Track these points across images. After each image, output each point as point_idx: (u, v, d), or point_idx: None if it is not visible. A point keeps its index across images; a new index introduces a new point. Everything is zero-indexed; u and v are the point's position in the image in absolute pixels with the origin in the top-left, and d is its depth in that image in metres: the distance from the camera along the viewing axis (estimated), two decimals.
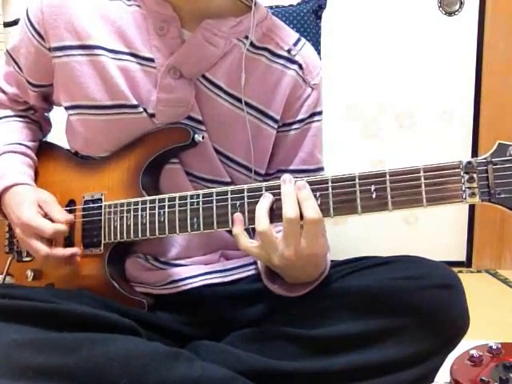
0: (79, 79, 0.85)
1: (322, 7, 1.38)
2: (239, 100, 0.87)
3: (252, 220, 0.73)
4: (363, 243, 2.03)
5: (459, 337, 0.78)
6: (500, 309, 1.65)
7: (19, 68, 0.93)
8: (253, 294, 0.86)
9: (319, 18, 1.38)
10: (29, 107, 0.99)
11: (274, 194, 0.73)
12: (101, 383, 0.63)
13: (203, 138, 0.85)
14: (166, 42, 0.84)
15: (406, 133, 2.08)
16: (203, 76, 0.86)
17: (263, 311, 0.85)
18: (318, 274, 0.79)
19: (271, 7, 1.35)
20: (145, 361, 0.65)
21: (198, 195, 0.78)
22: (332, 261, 0.84)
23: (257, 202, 0.73)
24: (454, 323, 0.77)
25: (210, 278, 0.87)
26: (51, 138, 1.05)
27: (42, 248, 0.82)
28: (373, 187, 0.69)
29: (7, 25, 1.92)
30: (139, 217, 0.81)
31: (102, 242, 0.85)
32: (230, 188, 0.76)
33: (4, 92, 0.97)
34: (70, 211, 0.88)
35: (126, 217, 0.82)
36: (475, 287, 1.81)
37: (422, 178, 0.67)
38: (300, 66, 0.91)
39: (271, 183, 0.74)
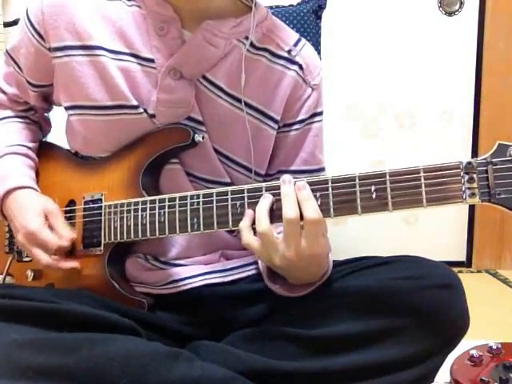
0: (80, 79, 0.85)
1: (322, 7, 1.38)
2: (239, 100, 0.87)
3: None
4: (363, 243, 2.03)
5: (459, 337, 0.78)
6: (500, 309, 1.65)
7: (19, 68, 0.93)
8: (253, 294, 0.86)
9: (319, 18, 1.38)
10: (29, 107, 0.99)
11: (274, 195, 0.73)
12: (101, 383, 0.63)
13: (203, 138, 0.85)
14: (166, 42, 0.84)
15: (405, 133, 2.08)
16: (203, 77, 0.86)
17: (263, 311, 0.85)
18: (320, 275, 0.79)
19: (271, 7, 1.35)
20: (145, 361, 0.65)
21: (198, 195, 0.78)
22: (332, 261, 0.84)
23: (257, 203, 0.73)
24: (454, 323, 0.77)
25: (210, 278, 0.87)
26: (51, 138, 1.05)
27: (43, 258, 0.82)
28: (373, 187, 0.69)
29: (7, 25, 1.92)
30: (139, 217, 0.81)
31: (102, 242, 0.85)
32: (230, 188, 0.76)
33: (4, 92, 0.97)
34: (70, 211, 0.89)
35: (126, 217, 0.82)
36: (475, 287, 1.81)
37: (422, 179, 0.67)
38: (300, 67, 0.91)
39: (271, 183, 0.74)
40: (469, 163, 0.66)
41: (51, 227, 0.83)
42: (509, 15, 1.98)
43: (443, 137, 2.07)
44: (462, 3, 2.01)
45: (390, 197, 0.69)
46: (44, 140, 1.02)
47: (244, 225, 0.74)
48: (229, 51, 0.86)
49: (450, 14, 2.01)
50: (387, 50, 2.02)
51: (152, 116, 0.85)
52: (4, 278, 0.92)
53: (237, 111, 0.87)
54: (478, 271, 2.09)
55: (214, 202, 0.76)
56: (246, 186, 0.76)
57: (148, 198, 0.81)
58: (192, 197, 0.78)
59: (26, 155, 0.92)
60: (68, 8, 0.85)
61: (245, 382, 0.70)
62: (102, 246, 0.85)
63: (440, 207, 0.67)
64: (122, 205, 0.83)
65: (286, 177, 0.73)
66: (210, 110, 0.86)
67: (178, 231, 0.78)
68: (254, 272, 0.91)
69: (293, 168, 0.92)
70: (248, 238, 0.74)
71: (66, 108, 0.89)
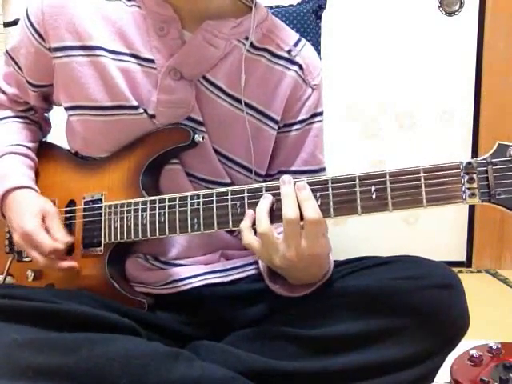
0: (80, 80, 0.85)
1: (322, 7, 1.38)
2: (239, 101, 0.87)
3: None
4: (363, 243, 2.03)
5: (459, 337, 0.78)
6: (500, 309, 1.65)
7: (19, 68, 0.93)
8: (253, 294, 0.86)
9: (319, 18, 1.38)
10: (29, 107, 0.99)
11: (274, 195, 0.73)
12: (101, 383, 0.63)
13: (203, 138, 0.85)
14: (166, 42, 0.84)
15: (405, 133, 2.08)
16: (203, 77, 0.86)
17: (263, 311, 0.85)
18: (321, 275, 0.79)
19: (271, 7, 1.35)
20: (145, 361, 0.65)
21: (198, 196, 0.78)
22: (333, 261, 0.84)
23: (257, 203, 0.73)
24: (454, 323, 0.77)
25: (210, 278, 0.87)
26: (51, 138, 1.05)
27: (40, 258, 0.82)
28: (373, 188, 0.69)
29: (7, 25, 1.92)
30: (139, 217, 0.81)
31: (103, 242, 0.85)
32: (230, 188, 0.76)
33: (4, 92, 0.97)
34: (70, 211, 0.89)
35: (127, 217, 0.82)
36: (475, 287, 1.81)
37: (422, 179, 0.67)
38: (300, 67, 0.91)
39: (271, 184, 0.74)
40: (469, 163, 0.66)
41: (47, 229, 0.84)
42: (509, 15, 1.98)
43: (443, 137, 2.07)
44: (461, 3, 2.01)
45: (390, 197, 0.69)
46: (44, 140, 1.02)
47: (245, 225, 0.74)
48: (229, 51, 0.86)
49: (450, 13, 2.01)
50: (387, 49, 2.02)
51: (152, 116, 0.85)
52: (4, 278, 0.92)
53: (237, 111, 0.87)
54: (478, 271, 2.09)
55: (214, 202, 0.76)
56: (246, 187, 0.76)
57: (148, 198, 0.81)
58: (192, 197, 0.78)
59: (26, 155, 0.93)
60: (68, 8, 0.85)
61: (245, 382, 0.70)
62: (102, 246, 0.85)
63: (440, 207, 0.67)
64: (122, 205, 0.83)
65: (286, 177, 0.73)
66: (210, 111, 0.86)
67: (178, 231, 0.79)
68: (254, 272, 0.91)
69: (293, 168, 0.92)
70: (249, 238, 0.74)
71: (66, 108, 0.89)
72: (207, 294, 0.86)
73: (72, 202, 0.89)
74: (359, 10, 2.02)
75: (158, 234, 0.80)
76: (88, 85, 0.85)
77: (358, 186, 0.70)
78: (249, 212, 0.74)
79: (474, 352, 1.01)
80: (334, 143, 1.89)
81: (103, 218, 0.85)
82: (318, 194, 0.71)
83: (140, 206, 0.81)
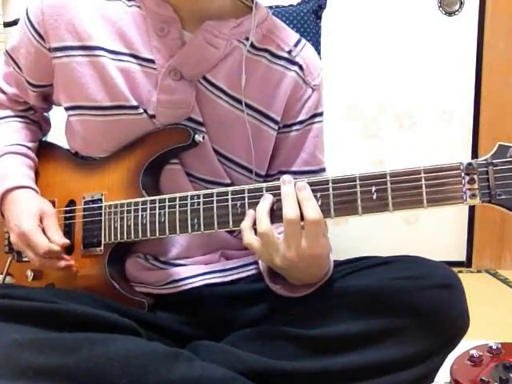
0: (80, 80, 0.85)
1: (322, 7, 1.38)
2: (240, 101, 0.87)
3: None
4: (363, 243, 2.03)
5: (459, 337, 0.78)
6: (500, 309, 1.65)
7: (19, 68, 0.93)
8: (253, 294, 0.86)
9: (319, 17, 1.38)
10: (28, 107, 0.99)
11: (274, 195, 0.73)
12: (101, 383, 0.63)
13: (203, 138, 0.85)
14: (166, 43, 0.84)
15: (406, 133, 2.08)
16: (204, 77, 0.86)
17: (263, 311, 0.85)
18: (321, 275, 0.79)
19: (271, 7, 1.35)
20: (145, 361, 0.65)
21: (198, 196, 0.78)
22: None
23: (257, 203, 0.73)
24: (454, 323, 0.77)
25: (210, 278, 0.87)
26: (51, 138, 1.05)
27: (35, 259, 0.83)
28: (373, 188, 0.69)
29: (7, 25, 1.92)
30: (139, 217, 0.81)
31: (103, 242, 0.85)
32: (230, 189, 0.76)
33: (4, 92, 0.97)
34: (70, 211, 0.89)
35: (127, 217, 0.82)
36: (475, 287, 1.81)
37: (423, 179, 0.67)
38: (300, 67, 0.91)
39: (272, 184, 0.74)
40: (469, 164, 0.66)
41: (44, 230, 0.84)
42: (509, 15, 1.98)
43: (443, 137, 2.07)
44: (461, 3, 2.01)
45: (390, 197, 0.69)
46: (44, 140, 1.02)
47: (245, 225, 0.74)
48: (229, 52, 0.86)
49: (450, 13, 2.01)
50: (387, 49, 2.02)
51: (152, 116, 0.85)
52: (4, 278, 0.92)
53: (237, 112, 0.87)
54: (478, 271, 2.09)
55: (215, 202, 0.76)
56: (246, 187, 0.76)
57: (148, 198, 0.81)
58: (192, 197, 0.78)
59: (26, 155, 0.93)
60: (68, 8, 0.85)
61: (245, 382, 0.70)
62: (102, 246, 0.85)
63: (440, 208, 0.67)
64: (122, 205, 0.83)
65: (286, 177, 0.73)
66: (210, 111, 0.86)
67: (178, 231, 0.78)
68: (254, 272, 0.90)
69: (293, 169, 0.92)
70: (249, 238, 0.74)
71: (66, 108, 0.89)
72: (207, 294, 0.86)
73: (72, 202, 0.89)
74: (359, 10, 2.02)
75: (158, 234, 0.80)
76: (88, 85, 0.84)
77: (358, 187, 0.70)
78: (249, 212, 0.74)
79: (473, 352, 1.01)
80: (333, 143, 1.89)
81: (103, 218, 0.85)
82: (318, 195, 0.71)
83: (140, 206, 0.81)
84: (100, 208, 0.86)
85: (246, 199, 0.75)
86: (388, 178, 0.69)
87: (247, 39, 0.87)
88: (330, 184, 0.71)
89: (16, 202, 0.86)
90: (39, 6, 0.86)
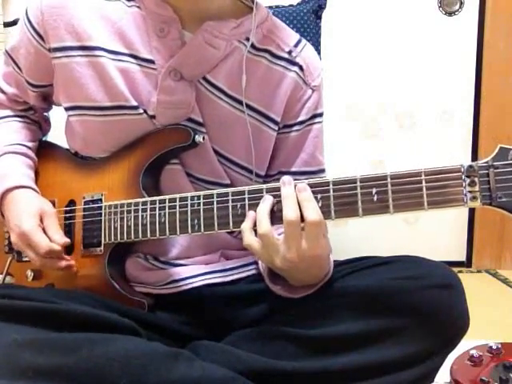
0: (79, 80, 0.85)
1: (322, 7, 1.38)
2: (240, 102, 0.87)
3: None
4: (363, 243, 2.03)
5: (459, 337, 0.78)
6: (500, 309, 1.65)
7: (19, 68, 0.93)
8: (253, 294, 0.86)
9: (319, 17, 1.38)
10: (28, 107, 0.99)
11: (274, 196, 0.73)
12: (101, 383, 0.63)
13: (204, 138, 0.85)
14: (166, 43, 0.84)
15: (406, 133, 2.08)
16: (204, 78, 0.86)
17: (263, 311, 0.85)
18: (321, 276, 0.79)
19: (271, 7, 1.35)
20: (145, 361, 0.65)
21: (198, 196, 0.78)
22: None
23: (257, 204, 0.73)
24: (454, 323, 0.77)
25: (210, 278, 0.87)
26: (51, 138, 1.05)
27: (36, 259, 0.82)
28: (374, 190, 0.69)
29: (7, 25, 1.92)
30: (140, 217, 0.81)
31: (103, 242, 0.85)
32: (230, 189, 0.76)
33: (3, 92, 0.97)
34: (70, 211, 0.89)
35: (127, 217, 0.82)
36: (475, 287, 1.81)
37: (424, 182, 0.67)
38: (301, 68, 0.91)
39: (272, 185, 0.74)
40: (470, 166, 0.66)
41: (45, 230, 0.84)
42: (509, 15, 1.98)
43: (443, 137, 2.07)
44: (461, 3, 2.01)
45: (391, 200, 0.68)
46: (44, 140, 1.02)
47: (246, 226, 0.74)
48: (229, 52, 0.86)
49: (450, 13, 2.02)
50: (387, 50, 2.02)
51: (152, 117, 0.85)
52: (4, 278, 0.92)
53: (237, 113, 0.87)
54: (478, 271, 2.09)
55: (215, 203, 0.76)
56: (246, 188, 0.76)
57: (148, 199, 0.81)
58: (192, 198, 0.78)
59: (26, 155, 0.92)
60: (67, 8, 0.85)
61: (245, 382, 0.70)
62: (102, 246, 0.85)
63: (441, 210, 0.67)
64: (122, 205, 0.83)
65: (286, 178, 0.73)
66: (211, 112, 0.86)
67: (178, 232, 0.78)
68: (254, 272, 0.91)
69: (293, 169, 0.92)
70: (249, 239, 0.74)
71: (66, 108, 0.89)
72: (207, 294, 0.86)
73: (72, 202, 0.89)
74: (359, 10, 2.02)
75: (158, 235, 0.80)
76: (87, 85, 0.84)
77: (359, 189, 0.70)
78: (250, 213, 0.74)
79: (473, 352, 1.01)
80: (334, 143, 1.90)
81: (103, 218, 0.85)
82: (319, 196, 0.71)
83: (140, 207, 0.81)
84: (100, 208, 0.86)
85: (247, 200, 0.75)
86: (389, 179, 0.69)
87: (247, 39, 0.87)
88: (331, 185, 0.71)
89: (16, 201, 0.86)
90: (39, 6, 0.86)
